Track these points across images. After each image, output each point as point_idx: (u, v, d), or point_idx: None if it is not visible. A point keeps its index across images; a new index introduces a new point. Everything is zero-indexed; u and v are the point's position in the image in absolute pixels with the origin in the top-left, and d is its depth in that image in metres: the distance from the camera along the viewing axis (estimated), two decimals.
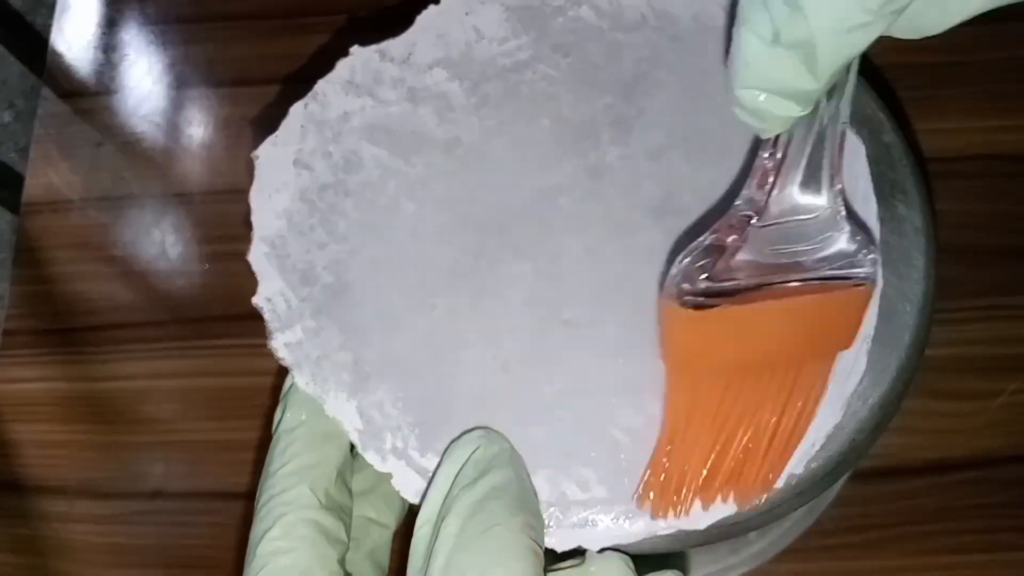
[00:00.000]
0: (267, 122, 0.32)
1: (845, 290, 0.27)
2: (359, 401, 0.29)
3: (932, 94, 0.48)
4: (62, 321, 0.49)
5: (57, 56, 0.55)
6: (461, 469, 0.27)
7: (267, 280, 0.30)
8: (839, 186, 0.27)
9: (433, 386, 0.29)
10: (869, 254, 0.27)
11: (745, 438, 0.28)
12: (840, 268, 0.27)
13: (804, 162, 0.27)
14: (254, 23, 0.54)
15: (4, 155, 0.55)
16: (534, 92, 0.33)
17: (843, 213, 0.27)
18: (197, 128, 0.52)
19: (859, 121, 0.33)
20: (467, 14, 0.33)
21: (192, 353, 0.47)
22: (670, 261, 0.30)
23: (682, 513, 0.28)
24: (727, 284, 0.27)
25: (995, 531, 0.41)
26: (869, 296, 0.28)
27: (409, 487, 0.28)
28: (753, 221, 0.27)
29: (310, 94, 0.32)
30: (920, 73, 0.48)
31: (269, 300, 0.30)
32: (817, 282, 0.27)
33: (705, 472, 0.28)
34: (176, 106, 0.53)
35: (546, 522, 0.28)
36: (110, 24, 0.56)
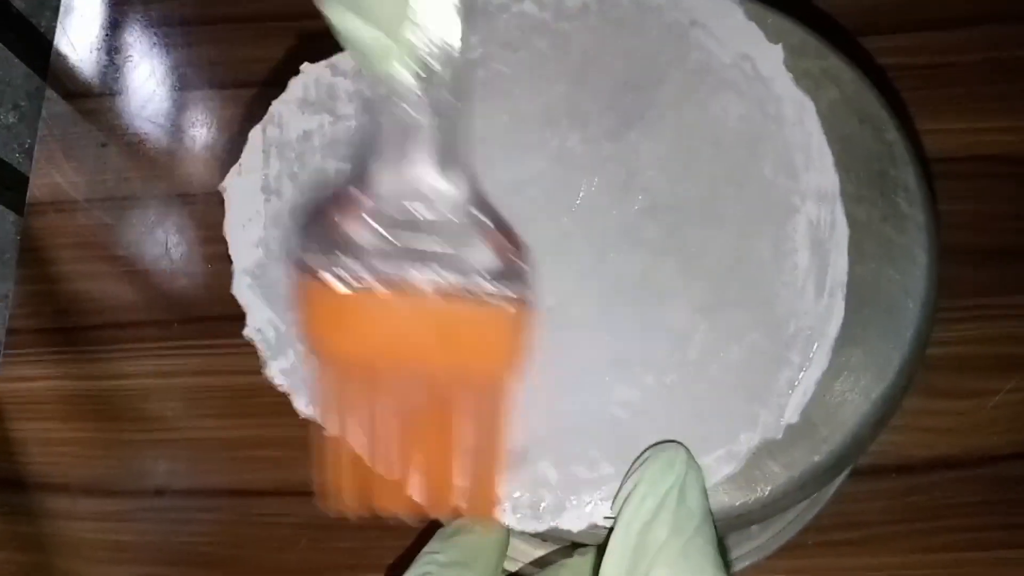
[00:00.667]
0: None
1: (489, 306, 0.25)
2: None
3: (932, 95, 0.48)
4: (66, 320, 0.49)
5: (61, 58, 0.55)
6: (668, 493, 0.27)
7: (254, 311, 0.30)
8: (464, 187, 0.26)
9: None
10: (517, 275, 0.26)
11: (414, 441, 0.26)
12: (489, 281, 0.26)
13: (419, 140, 0.25)
14: (257, 26, 0.54)
15: (9, 156, 0.56)
16: (489, 90, 0.33)
17: (477, 220, 0.26)
18: (200, 129, 0.52)
19: (861, 118, 0.33)
20: None
21: (195, 352, 0.47)
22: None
23: (350, 504, 0.26)
24: (366, 271, 0.25)
25: (992, 529, 0.41)
26: (520, 318, 0.26)
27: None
28: (364, 193, 0.26)
29: (266, 117, 0.32)
30: (920, 74, 0.49)
31: (259, 331, 0.30)
32: (463, 289, 0.25)
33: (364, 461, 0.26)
34: (179, 108, 0.53)
35: (561, 504, 0.28)
36: (114, 26, 0.56)
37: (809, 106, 0.32)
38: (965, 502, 0.41)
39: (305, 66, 0.33)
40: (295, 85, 0.33)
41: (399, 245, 0.25)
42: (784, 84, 0.32)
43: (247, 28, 0.54)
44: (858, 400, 0.30)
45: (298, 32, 0.53)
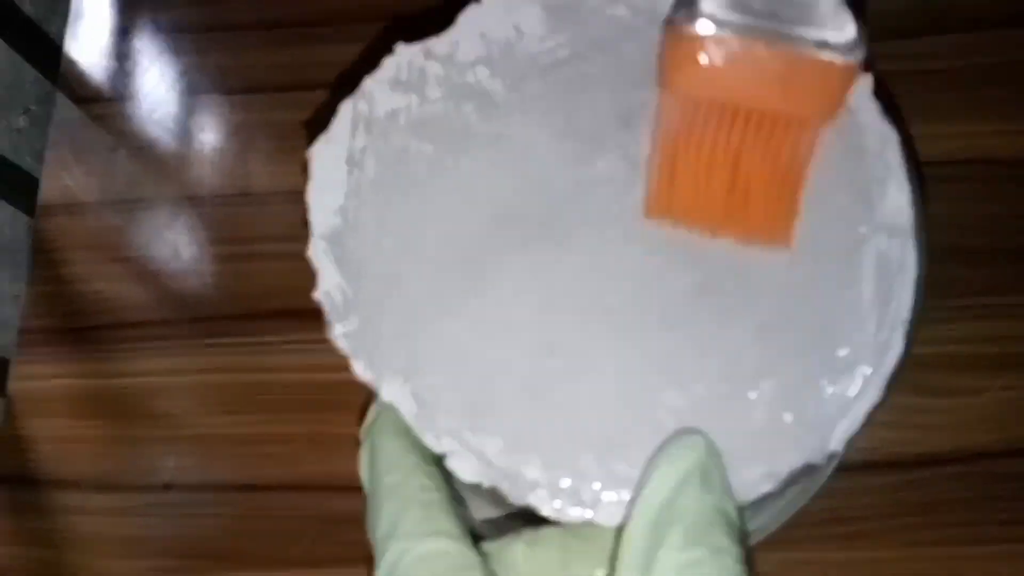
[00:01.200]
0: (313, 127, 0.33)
1: (831, 60, 0.30)
2: (413, 385, 0.30)
3: (923, 99, 0.49)
4: (77, 320, 0.50)
5: (71, 63, 0.56)
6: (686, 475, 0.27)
7: (326, 275, 0.31)
8: None
9: (484, 369, 0.30)
10: (859, 46, 0.30)
11: (738, 171, 0.31)
12: (831, 49, 0.30)
13: None
14: (264, 33, 0.55)
15: (20, 159, 0.56)
16: (573, 88, 0.34)
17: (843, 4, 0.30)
18: (209, 134, 0.53)
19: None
20: (507, 13, 0.34)
21: (204, 350, 0.48)
22: None
23: (682, 220, 0.31)
24: (723, 24, 0.30)
25: (981, 524, 0.42)
26: (852, 73, 0.31)
27: (464, 466, 0.29)
28: None
29: (358, 92, 0.33)
30: (912, 79, 0.49)
31: (328, 294, 0.31)
32: (805, 48, 0.30)
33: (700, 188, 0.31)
34: (188, 112, 0.54)
35: (596, 497, 0.29)
36: (123, 32, 0.57)
37: (893, 138, 0.32)
38: (957, 498, 0.42)
39: (400, 46, 0.33)
40: (389, 65, 0.33)
41: (769, 19, 0.30)
42: (870, 115, 0.32)
43: (255, 35, 0.55)
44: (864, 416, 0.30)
45: (304, 39, 0.54)
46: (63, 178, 0.53)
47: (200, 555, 0.45)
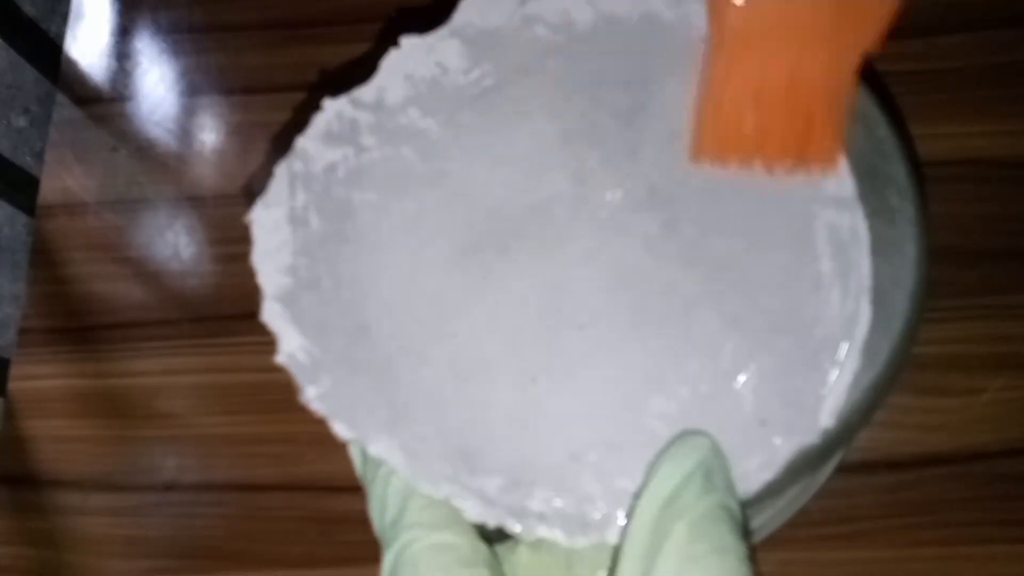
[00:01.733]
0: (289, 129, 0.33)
1: None
2: (400, 437, 0.29)
3: (922, 100, 0.49)
4: (77, 320, 0.50)
5: (71, 63, 0.56)
6: (691, 474, 0.27)
7: (285, 338, 0.30)
8: None
9: (469, 409, 0.30)
10: None
11: (798, 97, 0.31)
12: None
13: None
14: (263, 33, 0.55)
15: (20, 159, 0.56)
16: (506, 114, 0.34)
17: None
18: (209, 134, 0.53)
19: (854, 116, 0.34)
20: (428, 52, 0.34)
21: (204, 350, 0.48)
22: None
23: (734, 159, 0.31)
24: None
25: (980, 524, 0.41)
26: (895, 4, 0.31)
27: (468, 508, 0.28)
28: None
29: (292, 152, 0.32)
30: (913, 78, 0.50)
31: (291, 356, 0.30)
32: None
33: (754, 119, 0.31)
34: (188, 113, 0.54)
35: (606, 517, 0.29)
36: (123, 33, 0.57)
37: None
38: (956, 498, 0.42)
39: (327, 101, 0.33)
40: (319, 121, 0.33)
41: None
42: None
43: (254, 36, 0.55)
44: (850, 389, 0.30)
45: (303, 39, 0.54)
46: (63, 178, 0.53)
47: (200, 555, 0.44)
